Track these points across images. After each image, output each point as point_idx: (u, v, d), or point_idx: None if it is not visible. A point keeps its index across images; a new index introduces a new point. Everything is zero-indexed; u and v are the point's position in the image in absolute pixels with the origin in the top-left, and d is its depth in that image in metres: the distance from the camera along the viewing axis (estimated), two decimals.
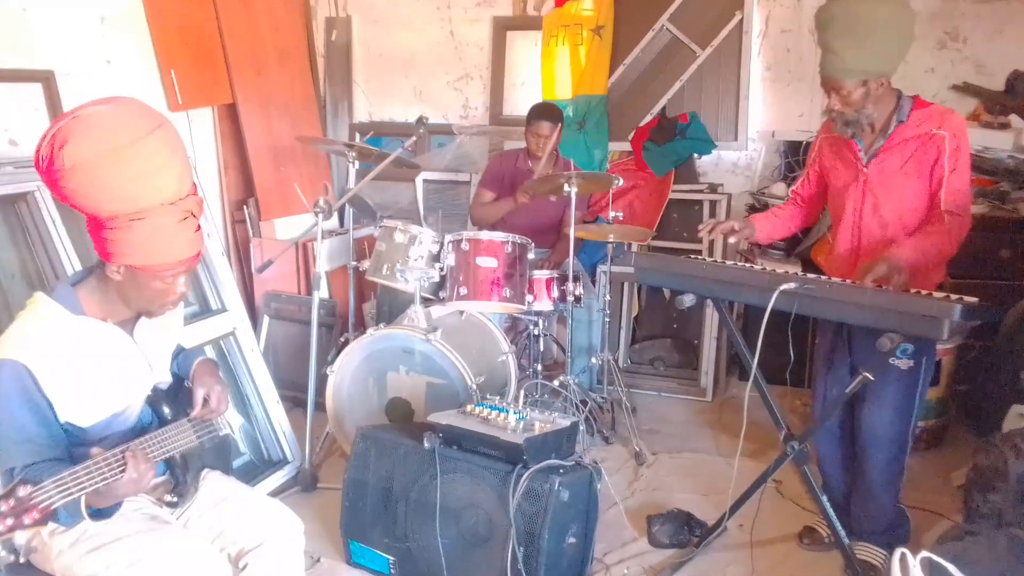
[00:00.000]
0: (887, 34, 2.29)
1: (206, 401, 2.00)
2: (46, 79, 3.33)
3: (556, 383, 3.41)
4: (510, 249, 3.27)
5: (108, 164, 1.62)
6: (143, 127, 1.66)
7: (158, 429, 1.88)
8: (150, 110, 1.73)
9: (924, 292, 2.12)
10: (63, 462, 1.70)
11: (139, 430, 1.91)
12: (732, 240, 2.61)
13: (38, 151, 1.64)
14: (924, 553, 1.79)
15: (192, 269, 1.84)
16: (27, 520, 1.43)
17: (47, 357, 1.69)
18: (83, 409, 1.76)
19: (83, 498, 1.57)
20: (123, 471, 1.62)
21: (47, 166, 1.63)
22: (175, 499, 1.93)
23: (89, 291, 1.81)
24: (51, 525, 1.69)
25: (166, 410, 1.96)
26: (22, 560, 1.61)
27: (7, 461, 1.67)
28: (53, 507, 1.49)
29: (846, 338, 2.55)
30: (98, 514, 1.67)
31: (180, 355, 2.13)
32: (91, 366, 1.77)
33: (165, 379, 2.03)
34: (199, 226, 1.80)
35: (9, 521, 1.41)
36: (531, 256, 3.36)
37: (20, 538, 1.76)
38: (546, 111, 3.82)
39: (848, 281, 2.26)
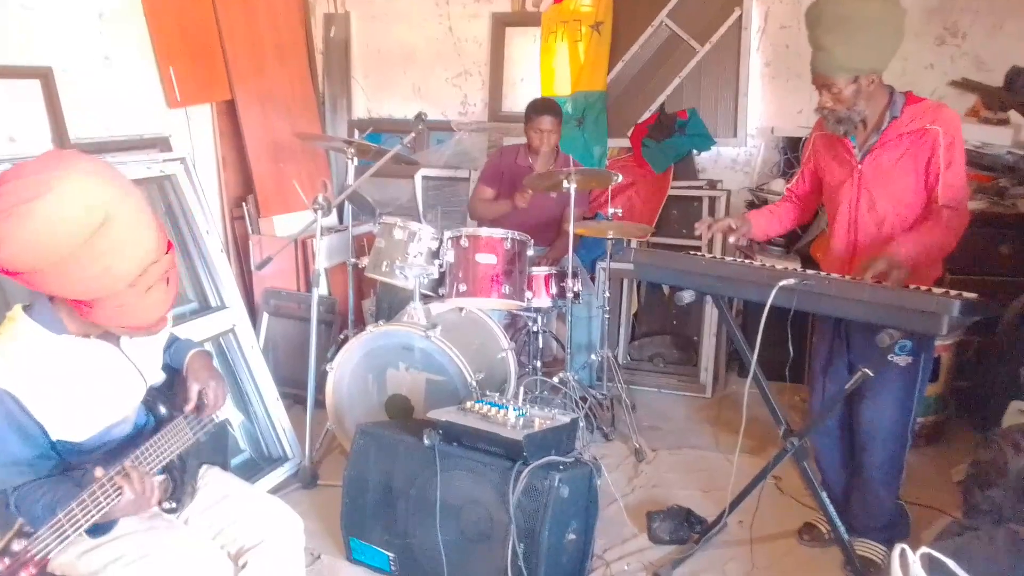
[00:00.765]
0: (877, 30, 2.29)
1: (202, 396, 1.98)
2: (44, 76, 3.32)
3: (556, 380, 3.41)
4: (509, 246, 3.27)
5: (52, 273, 1.54)
6: (86, 229, 1.51)
7: (154, 432, 1.86)
8: (96, 194, 1.53)
9: (923, 288, 2.12)
10: (53, 478, 1.68)
11: (135, 434, 1.89)
12: (732, 240, 2.62)
13: None
14: (924, 549, 1.79)
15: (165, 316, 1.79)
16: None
17: (32, 381, 1.65)
18: (76, 426, 1.73)
19: None
20: (120, 495, 1.57)
21: None
22: (173, 504, 1.90)
23: (68, 310, 1.72)
24: None
25: (161, 409, 1.94)
26: None
27: (5, 481, 1.65)
28: (51, 555, 1.44)
29: (844, 335, 2.55)
30: (96, 530, 1.65)
31: (173, 345, 2.09)
32: (80, 384, 1.73)
33: (158, 378, 2.00)
34: (168, 280, 1.71)
35: None
36: (530, 253, 3.36)
37: None
38: (547, 106, 3.81)
39: (847, 277, 2.26)
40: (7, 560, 1.37)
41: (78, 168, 1.53)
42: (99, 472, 1.57)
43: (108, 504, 1.55)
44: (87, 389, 1.74)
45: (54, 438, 1.70)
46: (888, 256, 2.21)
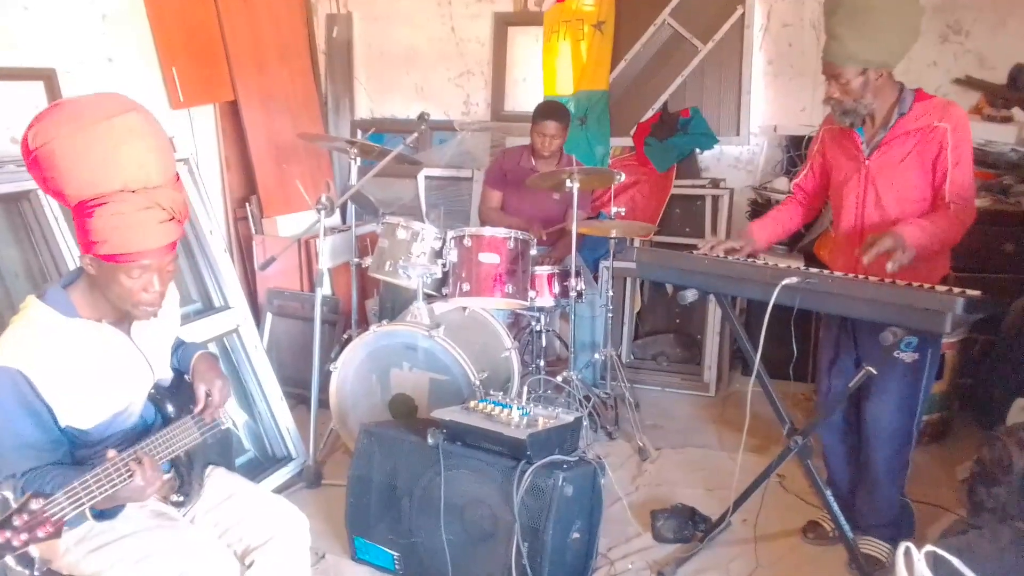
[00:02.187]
0: (891, 25, 2.29)
1: (208, 396, 2.00)
2: (48, 77, 3.33)
3: (559, 379, 3.41)
4: (512, 245, 3.27)
5: (67, 145, 1.63)
6: (106, 112, 1.67)
7: (162, 428, 1.88)
8: (126, 100, 1.74)
9: (927, 285, 2.12)
10: (64, 466, 1.70)
11: (142, 428, 1.91)
12: (731, 259, 2.58)
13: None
14: (928, 547, 1.79)
15: (163, 269, 1.76)
16: (41, 534, 1.42)
17: (44, 362, 1.68)
18: (83, 412, 1.75)
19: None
20: (131, 478, 1.61)
21: (22, 149, 1.68)
22: (181, 498, 1.93)
23: (81, 292, 1.78)
24: None
25: (169, 407, 1.96)
26: (37, 574, 1.62)
27: (7, 467, 1.67)
28: (66, 519, 1.48)
29: (851, 332, 2.55)
30: (102, 515, 1.67)
31: (179, 349, 2.11)
32: (89, 368, 1.75)
33: (166, 376, 2.02)
34: (172, 219, 1.74)
35: (24, 536, 1.40)
36: (533, 252, 3.36)
37: (34, 551, 1.75)
38: (551, 111, 3.82)
39: (851, 275, 2.26)
40: (26, 516, 1.41)
41: (127, 96, 1.78)
42: (112, 453, 1.61)
43: (120, 483, 1.59)
44: (96, 374, 1.76)
45: (62, 424, 1.72)
46: (895, 235, 2.20)
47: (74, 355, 1.73)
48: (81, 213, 1.68)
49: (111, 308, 1.80)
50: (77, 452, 1.77)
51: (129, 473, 1.61)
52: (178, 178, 1.82)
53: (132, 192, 1.68)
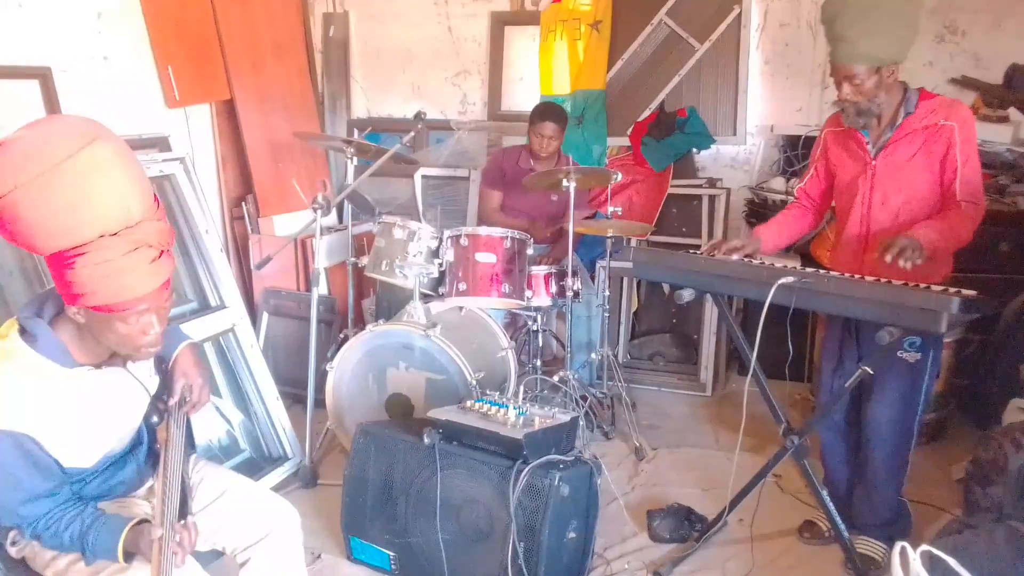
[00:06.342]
0: (899, 20, 2.30)
1: (184, 391, 1.93)
2: (43, 76, 3.32)
3: (556, 378, 3.41)
4: (509, 244, 3.27)
5: (29, 195, 1.44)
6: (67, 147, 1.46)
7: (150, 453, 1.89)
8: (81, 128, 1.52)
9: (923, 285, 2.12)
10: (72, 502, 1.70)
11: (132, 445, 1.89)
12: (735, 258, 2.58)
13: None
14: (924, 546, 1.79)
15: (160, 308, 1.64)
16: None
17: (48, 420, 1.63)
18: (86, 454, 1.74)
19: (121, 544, 1.64)
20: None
21: None
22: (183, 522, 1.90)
23: (71, 336, 1.67)
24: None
25: (154, 419, 1.92)
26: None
27: (27, 516, 1.66)
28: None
29: (854, 332, 2.55)
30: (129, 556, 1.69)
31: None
32: (91, 415, 1.71)
33: (156, 382, 1.98)
34: (161, 254, 1.60)
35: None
36: (530, 252, 3.36)
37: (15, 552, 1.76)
38: (550, 112, 3.82)
39: (847, 275, 2.25)
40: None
41: (81, 116, 1.58)
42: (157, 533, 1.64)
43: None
44: (98, 418, 1.74)
45: (66, 466, 1.70)
46: (908, 236, 2.19)
47: (75, 406, 1.68)
48: (59, 264, 1.53)
49: (107, 350, 1.72)
50: (75, 486, 1.76)
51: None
52: (158, 203, 1.66)
53: (113, 235, 1.51)
